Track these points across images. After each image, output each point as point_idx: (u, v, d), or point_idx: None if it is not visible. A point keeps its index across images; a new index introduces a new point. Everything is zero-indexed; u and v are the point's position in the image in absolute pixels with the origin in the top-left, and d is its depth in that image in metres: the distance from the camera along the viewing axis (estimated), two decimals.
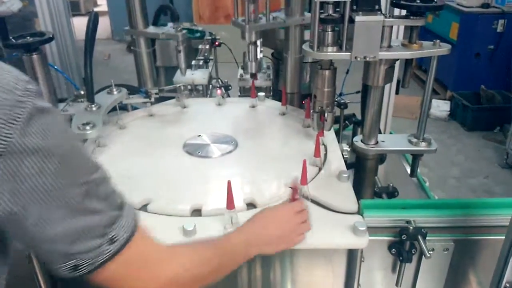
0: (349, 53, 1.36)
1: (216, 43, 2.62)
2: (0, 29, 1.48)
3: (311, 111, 1.59)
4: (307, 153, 1.47)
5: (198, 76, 2.09)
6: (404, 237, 1.18)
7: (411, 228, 1.17)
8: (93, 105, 1.59)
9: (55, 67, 2.28)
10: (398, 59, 1.51)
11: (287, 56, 1.90)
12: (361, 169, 1.63)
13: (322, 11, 1.37)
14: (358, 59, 1.36)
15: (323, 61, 1.47)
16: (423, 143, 1.60)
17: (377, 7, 1.34)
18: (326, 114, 1.53)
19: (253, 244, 1.07)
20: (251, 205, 1.29)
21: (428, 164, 3.99)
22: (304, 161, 1.28)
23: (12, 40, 1.51)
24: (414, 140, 1.61)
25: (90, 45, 1.59)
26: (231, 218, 1.17)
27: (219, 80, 2.35)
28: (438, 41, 1.43)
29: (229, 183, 1.16)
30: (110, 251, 0.75)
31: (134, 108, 1.99)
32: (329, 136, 1.65)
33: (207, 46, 2.52)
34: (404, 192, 1.99)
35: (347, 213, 1.25)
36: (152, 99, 1.85)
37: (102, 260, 0.75)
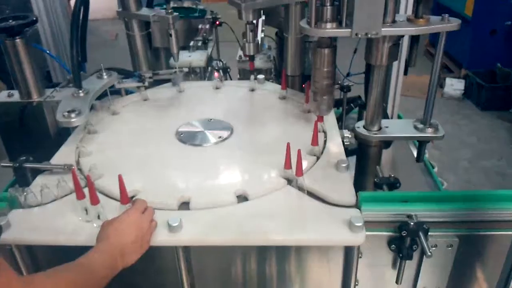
0: (349, 30, 1.26)
1: (217, 22, 2.52)
2: None
3: (311, 93, 1.50)
4: (305, 141, 1.39)
5: (196, 58, 2.00)
6: (404, 233, 1.10)
7: (411, 223, 1.09)
8: (80, 91, 1.52)
9: (47, 51, 2.20)
10: (403, 36, 1.40)
11: (288, 36, 1.79)
12: (363, 156, 1.55)
13: None
14: (359, 36, 1.27)
15: (321, 39, 1.37)
16: (429, 128, 1.50)
17: None
18: (324, 97, 1.44)
19: (117, 256, 1.02)
20: (242, 198, 1.22)
21: (439, 145, 3.87)
22: (299, 152, 1.20)
23: None
24: (420, 125, 1.52)
25: (77, 26, 1.50)
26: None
27: (218, 61, 2.26)
28: (446, 15, 1.32)
29: (120, 177, 1.11)
30: None
31: (130, 92, 1.92)
32: (330, 122, 1.56)
33: (207, 26, 2.42)
34: (410, 180, 1.91)
35: (344, 206, 1.17)
36: (146, 83, 1.77)
37: None
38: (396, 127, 1.54)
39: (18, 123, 1.52)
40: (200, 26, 2.41)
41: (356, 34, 1.25)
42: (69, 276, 0.92)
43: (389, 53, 1.35)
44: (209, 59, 2.31)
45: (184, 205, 1.20)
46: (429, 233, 1.11)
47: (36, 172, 1.35)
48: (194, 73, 2.08)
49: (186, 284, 1.19)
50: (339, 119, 1.84)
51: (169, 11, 1.69)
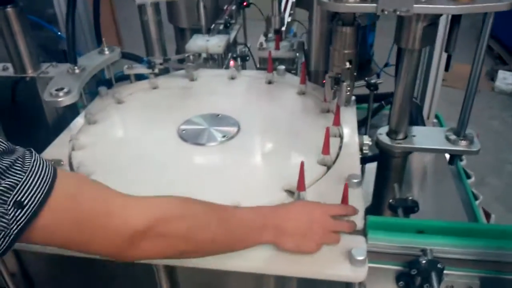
0: (374, 5, 1.06)
1: (245, 3, 2.35)
2: None
3: (327, 78, 1.31)
4: (319, 145, 1.24)
5: (213, 43, 1.85)
6: (414, 271, 0.94)
7: (423, 262, 0.93)
8: (75, 67, 1.41)
9: (46, 24, 2.10)
10: (441, 15, 1.18)
11: (312, 25, 1.61)
12: (383, 168, 1.38)
13: None
14: (386, 12, 1.06)
15: (342, 15, 1.18)
16: (463, 141, 1.31)
17: None
18: (343, 84, 1.25)
19: (270, 227, 0.90)
20: None
21: (485, 145, 3.57)
22: (302, 164, 1.05)
23: None
24: (453, 136, 1.32)
25: None
26: None
27: (244, 48, 2.10)
28: None
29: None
30: (23, 215, 0.64)
31: (144, 78, 1.80)
32: (348, 125, 1.39)
33: (234, 7, 2.25)
34: (440, 192, 1.72)
35: None
36: (156, 70, 1.66)
37: (17, 229, 0.64)
38: (425, 137, 1.35)
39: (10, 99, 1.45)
40: (225, 7, 2.25)
41: (383, 11, 1.05)
42: (201, 214, 0.86)
43: (423, 35, 1.14)
44: (233, 44, 2.16)
45: None
46: (446, 272, 0.95)
47: None
48: (213, 60, 1.93)
49: None
50: (363, 121, 1.66)
51: None
